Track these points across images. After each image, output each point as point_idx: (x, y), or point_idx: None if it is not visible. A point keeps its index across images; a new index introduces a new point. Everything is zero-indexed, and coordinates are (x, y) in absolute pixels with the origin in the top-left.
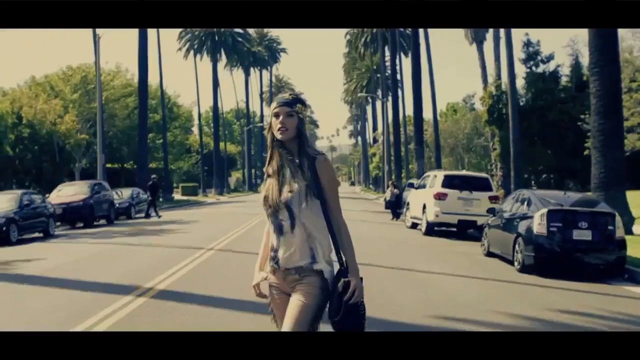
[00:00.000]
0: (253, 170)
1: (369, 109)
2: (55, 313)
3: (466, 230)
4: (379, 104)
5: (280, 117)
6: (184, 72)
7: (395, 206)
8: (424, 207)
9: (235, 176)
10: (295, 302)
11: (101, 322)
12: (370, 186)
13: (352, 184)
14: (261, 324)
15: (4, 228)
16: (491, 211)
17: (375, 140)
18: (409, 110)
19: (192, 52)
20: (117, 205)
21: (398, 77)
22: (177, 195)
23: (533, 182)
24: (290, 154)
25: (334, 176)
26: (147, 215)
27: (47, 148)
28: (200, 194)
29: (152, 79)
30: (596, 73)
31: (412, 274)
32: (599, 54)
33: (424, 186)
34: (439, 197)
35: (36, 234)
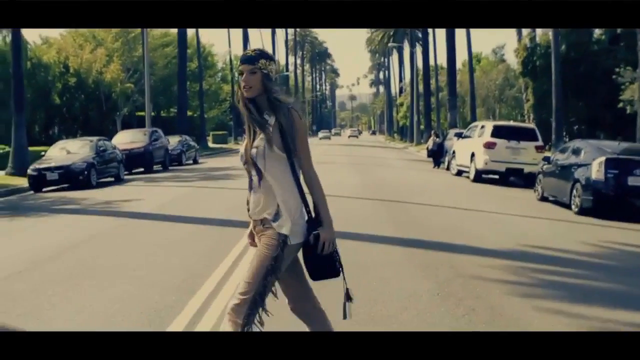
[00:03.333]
0: None
1: (393, 59)
2: (201, 242)
3: (509, 178)
4: (406, 53)
5: (244, 75)
6: None
7: (438, 155)
8: (472, 155)
9: None
10: (256, 252)
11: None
12: (395, 135)
13: (374, 133)
14: None
15: (86, 172)
16: (546, 159)
17: (402, 90)
18: (435, 60)
19: None
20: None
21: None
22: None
23: (565, 132)
24: (259, 110)
25: (302, 125)
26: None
27: (93, 97)
28: (230, 142)
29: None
30: None
31: (480, 213)
32: None
33: (470, 136)
34: (489, 146)
35: (109, 179)
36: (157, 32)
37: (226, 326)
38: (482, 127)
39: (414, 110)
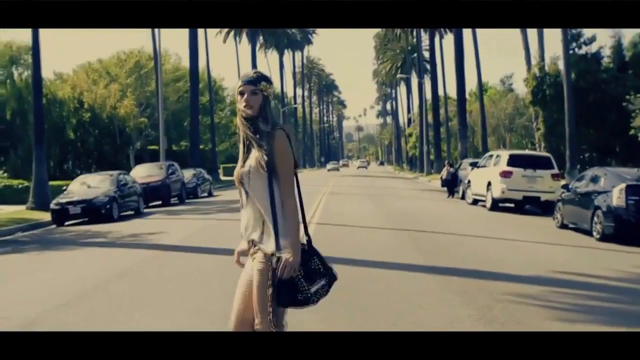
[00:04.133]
0: None
1: (400, 90)
2: (237, 272)
3: (525, 206)
4: (414, 83)
5: (245, 95)
6: (219, 55)
7: (452, 184)
8: (489, 184)
9: None
10: (254, 282)
11: None
12: (404, 166)
13: (382, 163)
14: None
15: (108, 206)
16: (565, 187)
17: (410, 121)
18: (444, 91)
19: (231, 34)
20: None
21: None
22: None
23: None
24: (254, 131)
25: (288, 150)
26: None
27: (107, 131)
28: None
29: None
30: None
31: (503, 241)
32: None
33: (486, 165)
34: (505, 175)
35: (129, 212)
36: (169, 66)
37: None
38: (498, 156)
39: (424, 140)
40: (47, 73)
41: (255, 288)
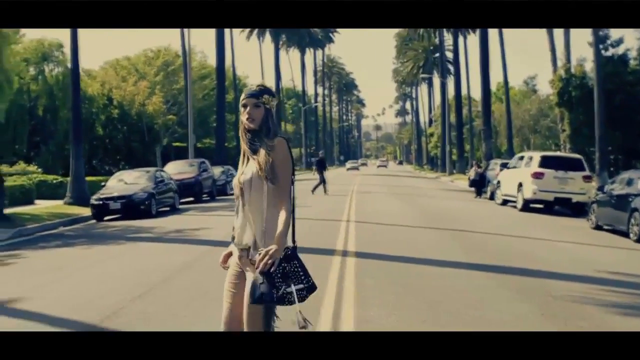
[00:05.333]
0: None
1: (421, 89)
2: None
3: (554, 207)
4: (436, 83)
5: (248, 108)
6: (243, 54)
7: (480, 184)
8: (520, 185)
9: None
10: (247, 291)
11: (349, 271)
12: (425, 166)
13: (400, 163)
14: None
15: (147, 202)
16: (600, 189)
17: (431, 121)
18: (465, 91)
19: (254, 33)
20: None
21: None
22: None
23: None
24: (256, 141)
25: (287, 157)
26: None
27: (136, 128)
28: None
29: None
30: None
31: (541, 241)
32: None
33: (516, 166)
34: (537, 176)
35: (165, 208)
36: (195, 64)
37: None
38: (530, 157)
39: (446, 140)
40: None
41: (248, 296)
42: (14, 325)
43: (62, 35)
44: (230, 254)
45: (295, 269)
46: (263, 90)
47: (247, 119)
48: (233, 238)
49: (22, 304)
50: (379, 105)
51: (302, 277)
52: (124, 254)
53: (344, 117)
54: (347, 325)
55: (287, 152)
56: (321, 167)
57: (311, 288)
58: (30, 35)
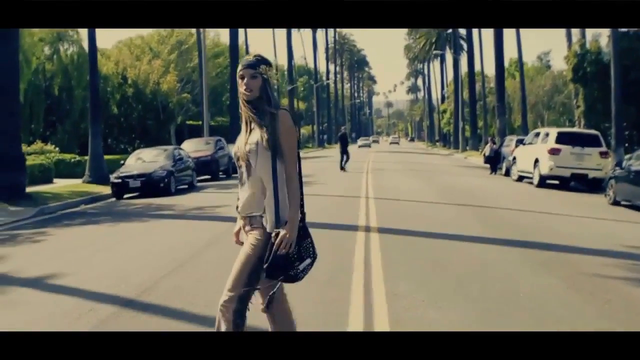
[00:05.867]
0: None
1: (433, 66)
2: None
3: (570, 183)
4: (448, 59)
5: (245, 79)
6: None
7: (495, 161)
8: (536, 161)
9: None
10: (241, 251)
11: (374, 246)
12: (437, 143)
13: (412, 139)
14: None
15: (166, 180)
16: (618, 165)
17: (444, 97)
18: (478, 67)
19: None
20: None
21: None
22: None
23: None
24: (256, 111)
25: (291, 129)
26: (342, 168)
27: (151, 107)
28: None
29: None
30: None
31: (560, 216)
32: None
33: (532, 143)
34: (553, 152)
35: (183, 186)
36: (208, 42)
37: (220, 324)
38: (546, 134)
39: (459, 116)
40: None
41: (242, 258)
42: (53, 299)
43: None
44: (240, 230)
45: (307, 245)
46: (260, 61)
47: (245, 89)
48: (237, 208)
49: (59, 280)
50: (390, 82)
51: (311, 251)
52: (150, 231)
53: (355, 94)
54: (380, 299)
55: (291, 124)
56: (344, 142)
57: (315, 259)
58: None
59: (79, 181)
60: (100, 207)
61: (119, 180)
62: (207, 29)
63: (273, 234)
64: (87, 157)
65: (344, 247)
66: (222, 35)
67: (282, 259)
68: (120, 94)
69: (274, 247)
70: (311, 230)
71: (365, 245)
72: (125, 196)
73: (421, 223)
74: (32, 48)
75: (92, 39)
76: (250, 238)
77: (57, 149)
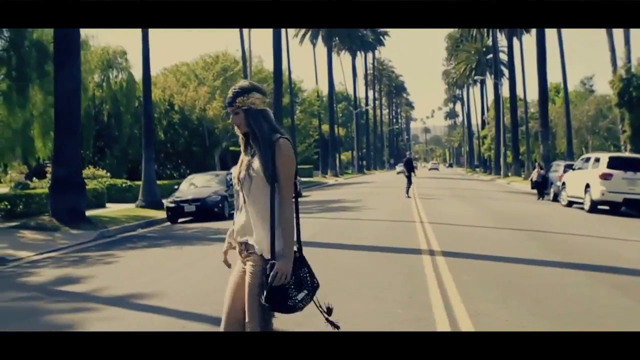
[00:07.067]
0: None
1: (473, 91)
2: (387, 265)
3: (621, 208)
4: (489, 85)
5: (231, 117)
6: (296, 58)
7: (542, 186)
8: (587, 186)
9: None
10: (246, 283)
11: (442, 268)
12: (477, 168)
13: (450, 165)
14: None
15: (220, 205)
16: None
17: (484, 123)
18: (519, 93)
19: (307, 37)
20: None
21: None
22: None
23: None
24: (252, 141)
25: (290, 158)
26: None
27: (197, 133)
28: (317, 176)
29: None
30: None
31: (620, 241)
32: None
33: (582, 168)
34: (605, 177)
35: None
36: (252, 68)
37: None
38: (597, 159)
39: (500, 142)
40: (138, 76)
41: (248, 290)
42: (143, 317)
43: (125, 42)
44: (227, 250)
45: (305, 275)
46: (236, 94)
47: (235, 126)
48: (233, 232)
49: (143, 299)
50: (427, 107)
51: (309, 282)
52: (216, 253)
53: (394, 120)
54: (463, 317)
55: (290, 153)
56: (410, 167)
57: (315, 289)
58: (94, 43)
59: (131, 205)
60: (157, 231)
61: (174, 205)
62: (252, 56)
63: (268, 266)
64: (137, 182)
65: (413, 269)
66: (266, 61)
67: (278, 291)
68: (167, 120)
69: (269, 279)
70: (375, 254)
71: (434, 267)
72: (180, 220)
73: (482, 247)
74: (88, 75)
75: (146, 66)
76: (248, 267)
77: (108, 174)
